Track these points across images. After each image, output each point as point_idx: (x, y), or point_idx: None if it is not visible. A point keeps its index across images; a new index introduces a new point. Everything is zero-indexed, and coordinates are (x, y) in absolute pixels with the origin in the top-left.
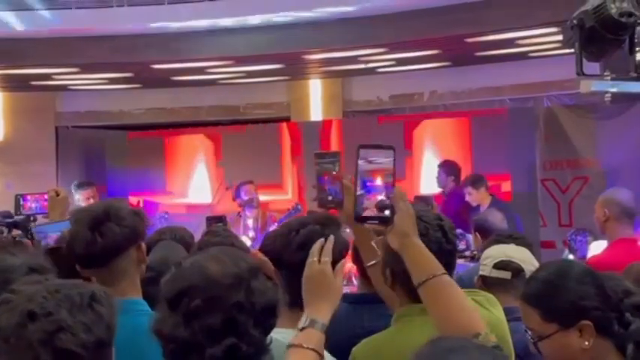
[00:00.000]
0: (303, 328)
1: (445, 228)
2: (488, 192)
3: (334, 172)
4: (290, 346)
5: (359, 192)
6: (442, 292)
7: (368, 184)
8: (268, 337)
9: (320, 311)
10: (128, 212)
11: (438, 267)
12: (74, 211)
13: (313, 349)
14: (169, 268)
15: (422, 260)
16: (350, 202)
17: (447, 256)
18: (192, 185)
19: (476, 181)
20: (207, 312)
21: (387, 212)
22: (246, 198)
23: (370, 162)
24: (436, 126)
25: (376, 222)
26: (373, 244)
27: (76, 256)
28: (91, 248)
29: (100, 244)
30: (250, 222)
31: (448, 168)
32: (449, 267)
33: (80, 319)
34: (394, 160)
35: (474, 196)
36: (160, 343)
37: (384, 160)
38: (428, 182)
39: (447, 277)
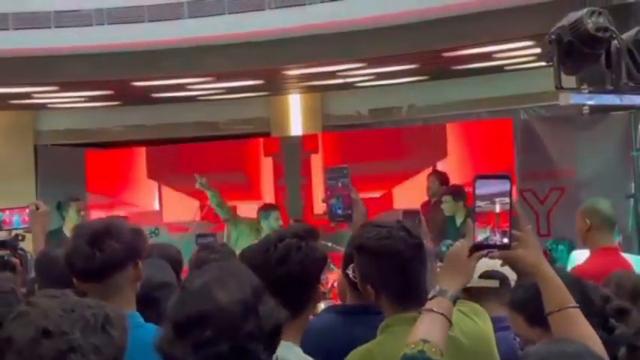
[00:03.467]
0: (433, 297)
1: (407, 226)
2: (465, 206)
3: (342, 187)
4: (422, 310)
5: (476, 222)
6: (569, 324)
7: (484, 213)
8: (274, 356)
9: (450, 284)
10: (128, 230)
11: (569, 299)
12: (75, 226)
13: (442, 314)
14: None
15: (552, 291)
16: (359, 215)
17: (414, 249)
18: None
19: (457, 193)
20: (218, 341)
21: (505, 240)
22: None
23: (486, 192)
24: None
25: (495, 250)
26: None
27: (74, 269)
28: (89, 263)
29: (99, 259)
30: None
31: (442, 177)
32: (418, 260)
33: (92, 340)
34: (510, 188)
35: (450, 206)
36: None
37: (500, 189)
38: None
39: (576, 311)
